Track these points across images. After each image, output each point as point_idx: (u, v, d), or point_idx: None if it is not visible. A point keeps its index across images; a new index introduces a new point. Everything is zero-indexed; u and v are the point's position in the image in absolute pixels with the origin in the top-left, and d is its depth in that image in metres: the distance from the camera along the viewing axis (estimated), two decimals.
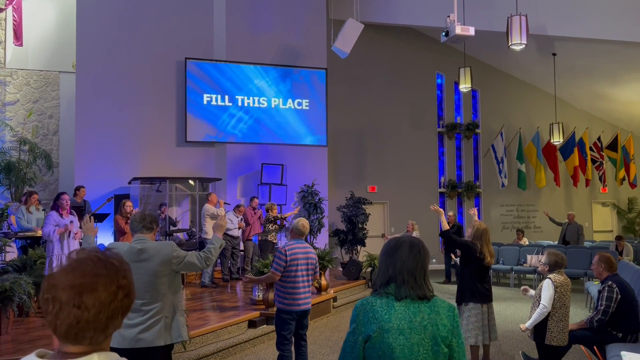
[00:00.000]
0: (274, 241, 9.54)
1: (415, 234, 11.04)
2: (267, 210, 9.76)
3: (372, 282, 2.06)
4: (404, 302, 1.97)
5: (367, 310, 1.99)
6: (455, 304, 3.70)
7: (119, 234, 8.21)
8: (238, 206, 9.89)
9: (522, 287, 5.22)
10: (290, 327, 4.63)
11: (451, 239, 5.12)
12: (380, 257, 2.13)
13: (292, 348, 4.74)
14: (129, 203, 8.28)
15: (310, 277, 4.73)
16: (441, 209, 5.27)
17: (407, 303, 1.97)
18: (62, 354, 1.19)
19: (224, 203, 9.70)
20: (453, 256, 11.59)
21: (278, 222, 9.76)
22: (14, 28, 11.92)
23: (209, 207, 9.19)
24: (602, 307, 4.71)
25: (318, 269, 4.91)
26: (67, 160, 12.18)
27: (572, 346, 4.83)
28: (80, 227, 6.95)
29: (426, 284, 2.03)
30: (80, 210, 8.35)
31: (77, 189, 8.94)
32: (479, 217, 15.80)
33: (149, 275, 3.35)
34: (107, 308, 1.17)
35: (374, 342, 1.94)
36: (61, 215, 6.88)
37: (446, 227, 5.20)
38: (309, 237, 11.89)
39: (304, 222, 4.78)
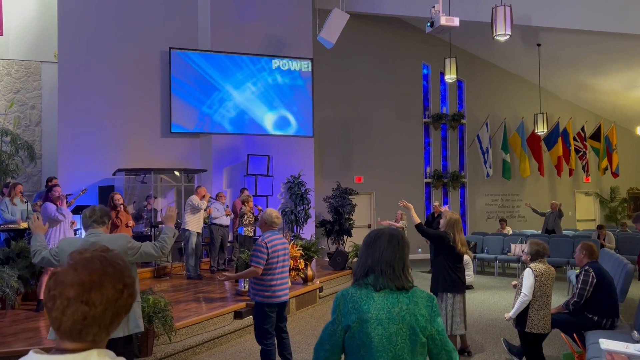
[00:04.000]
0: (250, 234, 9.51)
1: (402, 223, 11.14)
2: (243, 203, 9.67)
3: (353, 273, 2.13)
4: (382, 293, 2.01)
5: (347, 300, 2.03)
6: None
7: (111, 227, 8.15)
8: (218, 195, 9.89)
9: (512, 282, 5.26)
10: (272, 319, 4.60)
11: (424, 231, 5.19)
12: (361, 249, 2.17)
13: (274, 341, 4.72)
14: (117, 196, 8.23)
15: (287, 268, 4.72)
16: (410, 204, 5.29)
17: (385, 294, 2.01)
18: (60, 350, 1.21)
19: (210, 197, 9.67)
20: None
21: (256, 212, 9.75)
22: None
23: (193, 198, 9.15)
24: (578, 291, 4.88)
25: (290, 259, 4.91)
26: (50, 152, 12.03)
27: (552, 332, 4.92)
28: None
29: (405, 275, 2.06)
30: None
31: (49, 180, 8.89)
32: (462, 207, 15.99)
33: None
34: (114, 305, 1.21)
35: (354, 332, 1.97)
36: (58, 207, 6.84)
37: (417, 220, 5.24)
38: (295, 227, 11.92)
39: (277, 213, 4.71)
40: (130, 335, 3.54)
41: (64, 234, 6.82)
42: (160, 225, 9.95)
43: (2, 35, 11.78)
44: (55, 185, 7.74)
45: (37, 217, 3.80)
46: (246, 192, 10.36)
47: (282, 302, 4.65)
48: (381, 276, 2.03)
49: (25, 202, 8.26)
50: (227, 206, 10.03)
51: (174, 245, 9.66)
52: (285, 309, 4.82)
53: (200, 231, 9.26)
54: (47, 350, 1.22)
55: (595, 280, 4.83)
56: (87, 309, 1.17)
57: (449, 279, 5.06)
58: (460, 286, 5.13)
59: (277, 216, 4.69)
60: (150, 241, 5.82)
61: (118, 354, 3.68)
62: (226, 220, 9.70)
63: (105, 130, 10.97)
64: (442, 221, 5.30)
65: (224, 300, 7.24)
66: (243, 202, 9.64)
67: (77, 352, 1.19)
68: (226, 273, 5.13)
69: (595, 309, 4.87)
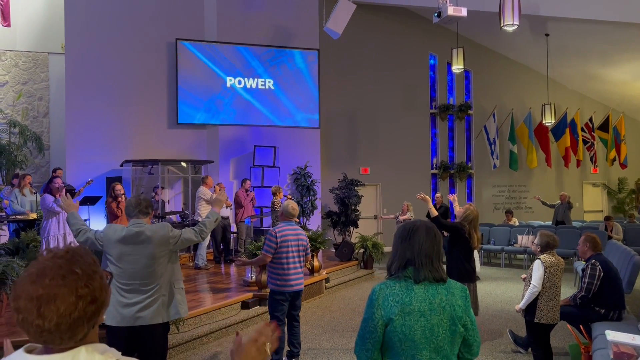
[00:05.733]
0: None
1: (409, 215, 11.11)
2: (275, 194, 9.67)
3: (387, 267, 2.14)
4: (422, 285, 2.04)
5: (387, 294, 2.03)
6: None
7: (111, 217, 8.20)
8: (218, 185, 9.91)
9: (522, 276, 5.30)
10: (283, 307, 4.70)
11: (440, 223, 5.26)
12: (395, 242, 2.17)
13: (285, 329, 4.81)
14: (118, 186, 8.28)
15: (301, 259, 4.79)
16: (428, 197, 5.40)
17: (425, 285, 2.04)
18: (48, 349, 1.19)
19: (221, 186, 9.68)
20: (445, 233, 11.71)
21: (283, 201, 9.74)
22: (0, 8, 11.72)
23: (204, 191, 9.13)
24: (585, 285, 4.89)
25: (309, 250, 4.97)
26: (58, 143, 12.10)
27: (559, 323, 4.93)
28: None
29: (441, 266, 2.10)
30: (72, 192, 8.35)
31: (54, 171, 8.96)
32: (469, 199, 15.95)
33: (147, 257, 3.42)
34: (68, 318, 1.15)
35: (396, 325, 1.98)
36: (56, 198, 6.90)
37: (435, 213, 5.36)
38: (301, 218, 11.95)
39: (293, 205, 4.85)
40: (168, 322, 3.60)
41: (63, 226, 6.90)
42: (167, 217, 10.01)
43: (9, 26, 11.83)
44: (57, 176, 7.80)
45: (67, 196, 3.86)
46: (248, 183, 10.35)
47: (295, 291, 4.74)
48: (421, 268, 2.05)
49: (34, 193, 8.33)
50: (227, 198, 10.01)
51: None
52: (299, 299, 4.89)
53: None
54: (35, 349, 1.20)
55: (602, 273, 4.84)
56: (41, 323, 1.14)
57: (463, 269, 5.20)
58: (472, 275, 5.29)
59: (294, 207, 4.83)
60: None
61: (156, 341, 3.74)
62: (225, 212, 9.71)
63: (112, 121, 11.01)
64: (459, 211, 5.37)
65: (231, 290, 7.29)
66: (274, 193, 9.65)
67: (64, 351, 1.18)
68: (242, 258, 5.27)
69: (602, 302, 4.89)
